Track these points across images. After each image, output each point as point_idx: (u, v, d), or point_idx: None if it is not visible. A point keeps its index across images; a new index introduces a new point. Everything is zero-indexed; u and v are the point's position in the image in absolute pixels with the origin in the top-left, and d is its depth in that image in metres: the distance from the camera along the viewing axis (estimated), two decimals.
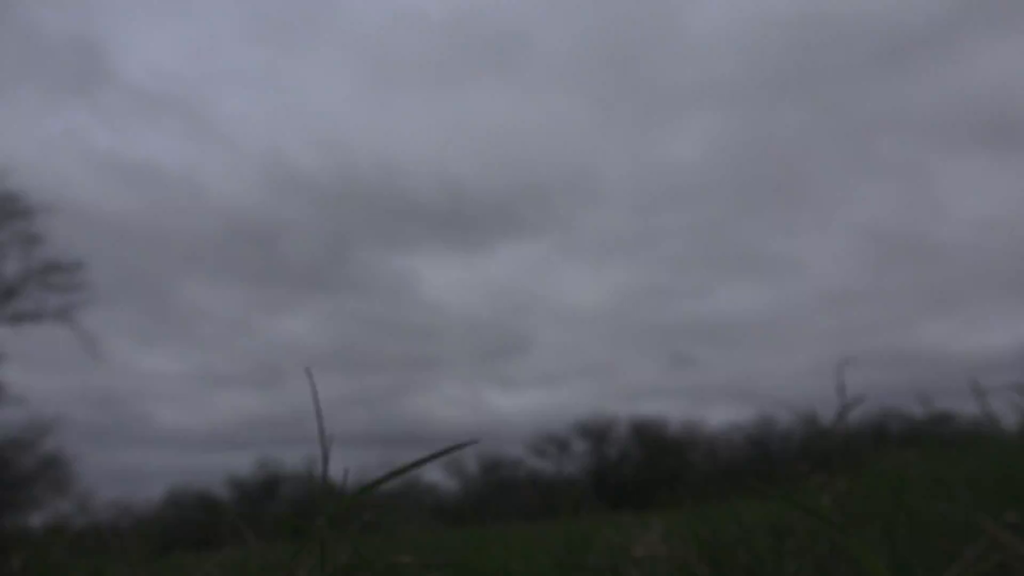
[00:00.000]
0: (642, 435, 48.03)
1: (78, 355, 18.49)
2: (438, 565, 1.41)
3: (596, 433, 47.26)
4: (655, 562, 2.07)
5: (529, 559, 2.66)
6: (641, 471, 45.18)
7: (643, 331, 63.07)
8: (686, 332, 65.34)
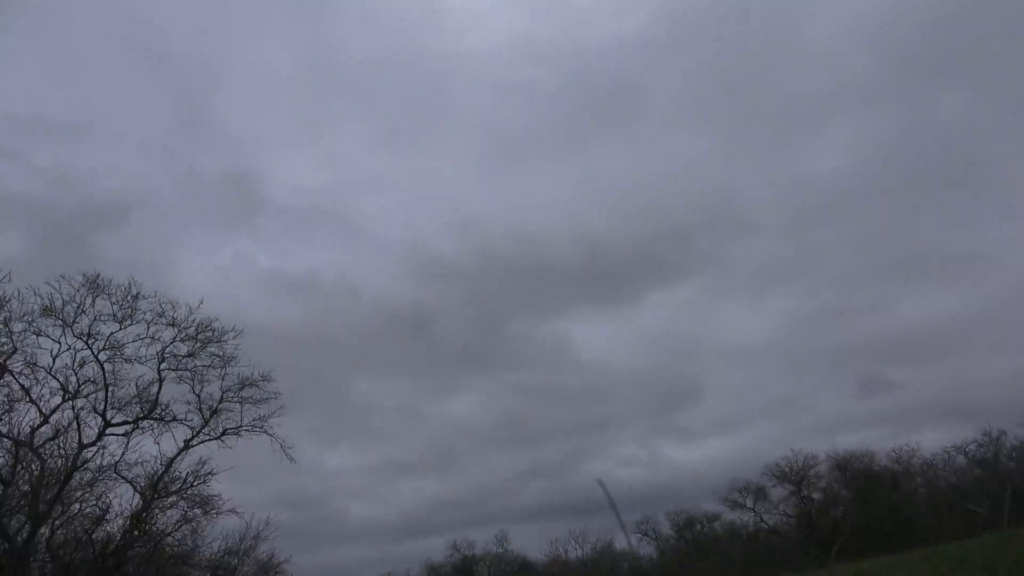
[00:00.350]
0: (847, 471, 44.76)
1: (275, 462, 21.07)
2: None
3: (794, 475, 44.74)
4: None
5: None
6: (853, 511, 41.90)
7: (822, 358, 58.32)
8: (872, 352, 59.16)
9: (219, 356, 20.62)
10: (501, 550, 48.93)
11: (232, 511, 20.72)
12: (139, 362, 19.86)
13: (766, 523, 46.75)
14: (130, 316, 19.50)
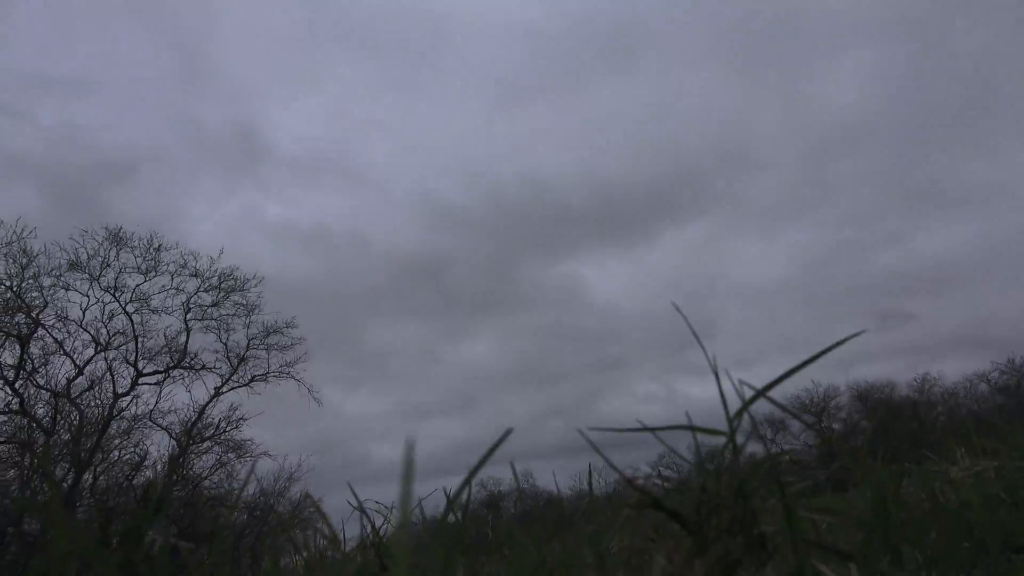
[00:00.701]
0: (867, 402, 44.97)
1: (301, 408, 21.62)
2: None
3: (814, 407, 45.06)
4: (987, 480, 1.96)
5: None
6: (874, 441, 42.31)
7: (841, 293, 58.01)
8: (891, 286, 58.71)
9: (243, 305, 20.90)
10: (527, 486, 50.19)
11: (265, 454, 21.32)
12: (166, 313, 20.20)
13: (787, 454, 47.30)
14: (154, 268, 19.74)
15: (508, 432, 1.00)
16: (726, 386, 0.90)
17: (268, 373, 21.32)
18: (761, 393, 0.85)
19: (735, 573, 0.77)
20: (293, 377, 21.34)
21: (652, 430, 0.93)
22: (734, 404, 0.94)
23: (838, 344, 0.88)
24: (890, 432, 43.10)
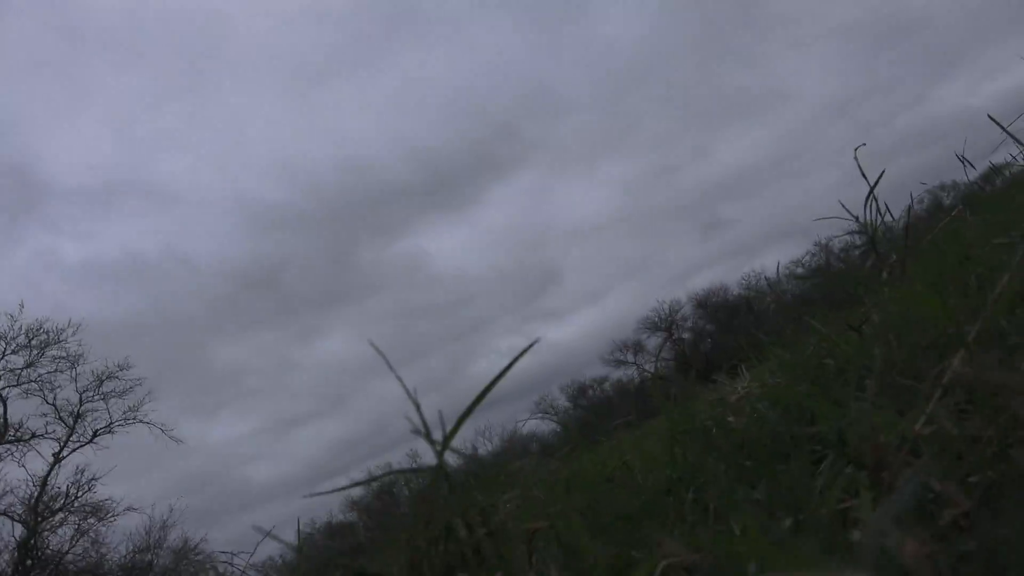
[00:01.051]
0: (707, 307, 48.69)
1: (159, 449, 20.22)
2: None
3: (663, 323, 48.37)
4: (755, 400, 2.06)
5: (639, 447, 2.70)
6: (720, 340, 46.07)
7: (662, 214, 62.37)
8: (705, 198, 63.97)
9: (63, 358, 19.04)
10: (415, 464, 49.78)
11: (130, 509, 19.81)
12: None
13: (648, 371, 50.62)
14: None
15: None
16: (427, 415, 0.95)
17: (112, 424, 19.71)
18: (456, 427, 0.91)
19: None
20: (141, 421, 19.85)
21: (351, 486, 0.98)
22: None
23: (521, 355, 0.96)
24: (730, 330, 47.00)
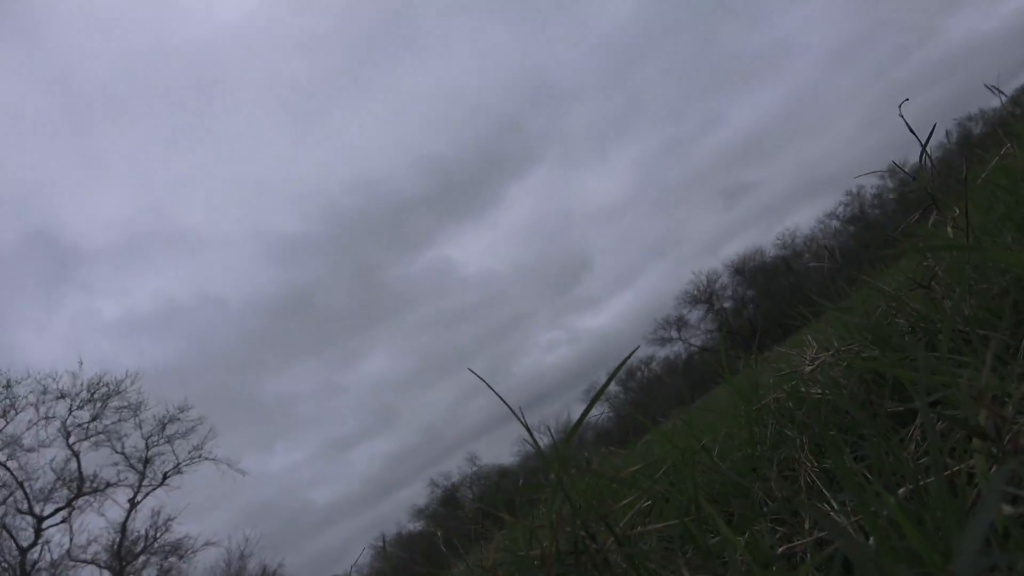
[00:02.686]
0: (745, 272, 48.04)
1: (225, 484, 20.75)
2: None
3: (702, 295, 47.82)
4: (828, 367, 2.00)
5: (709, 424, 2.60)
6: (761, 305, 45.43)
7: (682, 188, 61.63)
8: (722, 165, 63.13)
9: (126, 407, 19.62)
10: (476, 468, 50.64)
11: (208, 544, 20.35)
12: (43, 446, 18.62)
13: (695, 345, 50.10)
14: (12, 406, 18.10)
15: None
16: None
17: (179, 464, 20.25)
18: (570, 436, 0.94)
19: None
20: (207, 458, 20.36)
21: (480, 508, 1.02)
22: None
23: (626, 360, 0.99)
24: (771, 292, 46.27)
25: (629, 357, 0.99)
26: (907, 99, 1.94)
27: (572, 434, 0.99)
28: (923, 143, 1.84)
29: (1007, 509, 0.71)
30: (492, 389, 1.06)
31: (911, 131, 1.90)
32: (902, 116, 1.93)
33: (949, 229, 1.79)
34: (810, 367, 2.54)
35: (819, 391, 2.34)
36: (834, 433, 1.77)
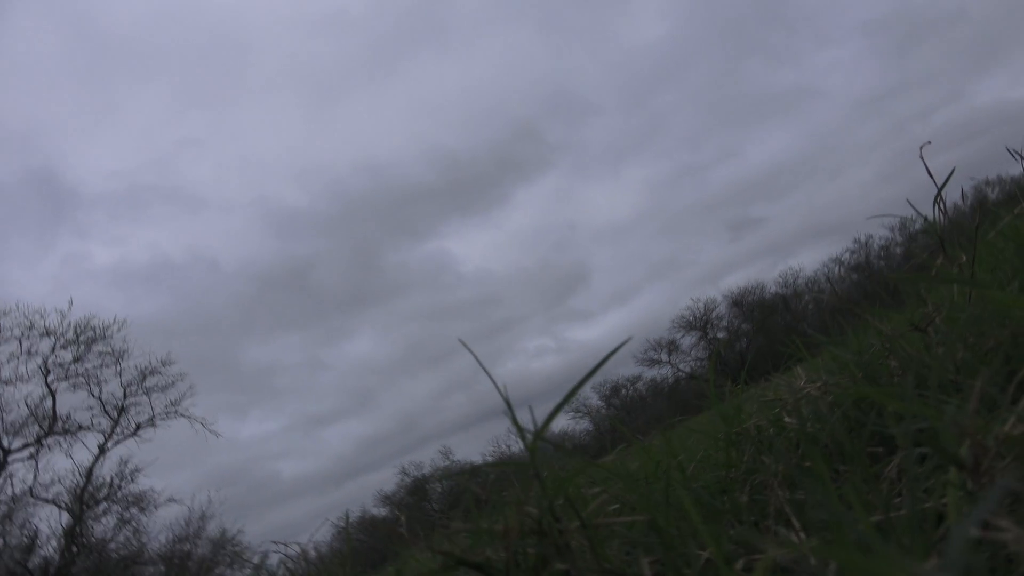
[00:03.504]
0: (743, 306, 48.06)
1: (196, 444, 20.64)
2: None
3: (698, 322, 47.81)
4: (814, 399, 1.97)
5: (688, 444, 2.61)
6: (754, 340, 45.44)
7: (690, 214, 62.01)
8: (733, 198, 63.42)
9: (109, 353, 19.56)
10: (448, 463, 50.58)
11: (171, 500, 20.29)
12: (22, 381, 18.57)
13: (683, 371, 50.12)
14: None
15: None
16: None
17: (154, 417, 20.18)
18: (541, 430, 0.93)
19: None
20: (183, 415, 20.31)
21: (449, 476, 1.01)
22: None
23: (612, 353, 0.98)
24: (766, 328, 46.32)
25: (621, 347, 0.98)
26: (929, 142, 1.92)
27: (551, 418, 0.98)
28: (939, 186, 1.82)
29: (975, 532, 0.70)
30: (479, 361, 1.05)
31: (928, 173, 1.88)
32: (922, 158, 1.91)
33: (956, 270, 1.78)
34: (796, 397, 2.53)
35: (800, 422, 2.33)
36: (809, 464, 1.77)
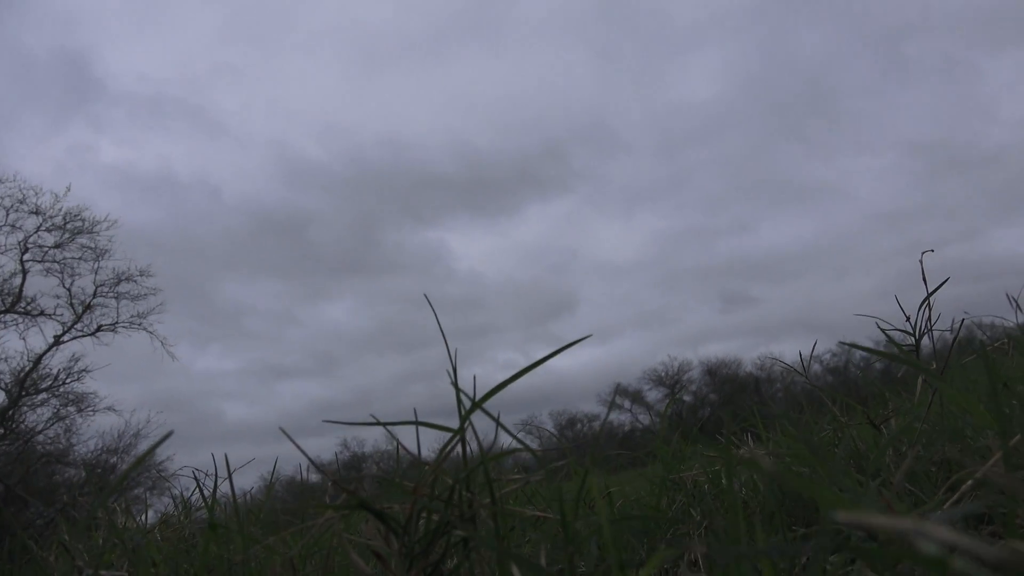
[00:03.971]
0: (716, 376, 48.22)
1: (146, 362, 20.31)
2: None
3: (669, 379, 47.99)
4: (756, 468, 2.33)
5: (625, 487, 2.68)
6: (720, 412, 45.59)
7: (689, 274, 62.43)
8: (734, 270, 63.91)
9: (91, 248, 19.39)
10: (390, 447, 50.37)
11: (110, 409, 20.06)
12: None
13: (641, 422, 50.19)
14: None
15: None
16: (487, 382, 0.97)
17: (117, 323, 19.97)
18: (481, 402, 0.93)
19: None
20: (146, 329, 20.12)
21: (384, 424, 1.00)
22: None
23: (567, 347, 0.98)
24: (732, 404, 46.51)
25: (580, 340, 0.98)
26: (932, 250, 1.94)
27: (494, 392, 0.98)
28: (929, 292, 1.84)
29: None
30: (437, 319, 1.05)
31: (923, 277, 1.90)
32: (921, 263, 1.93)
33: (919, 381, 1.80)
34: (738, 460, 2.54)
35: (737, 483, 2.34)
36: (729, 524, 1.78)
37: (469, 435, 1.00)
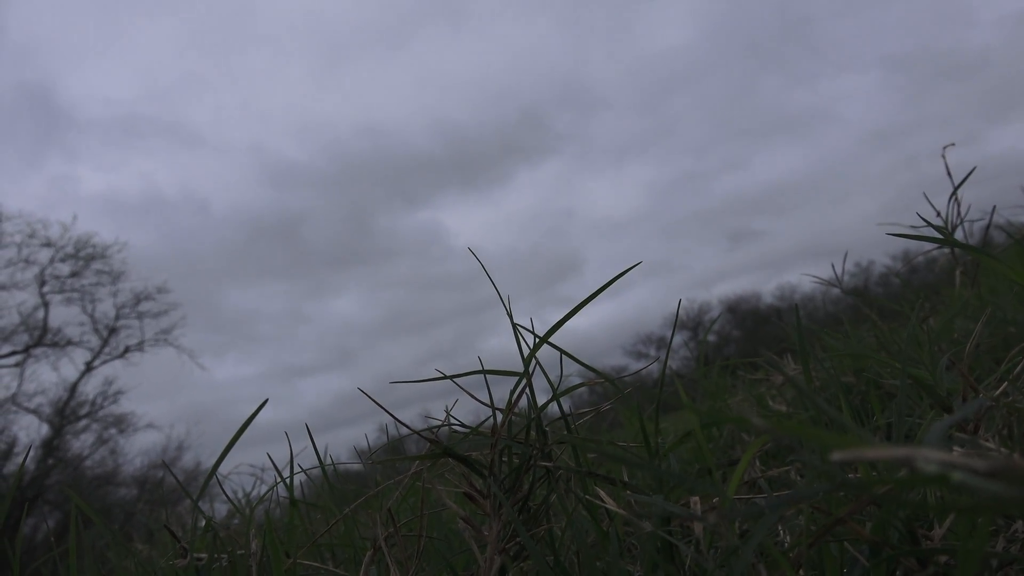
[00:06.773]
0: (737, 312, 48.12)
1: (169, 378, 20.62)
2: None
3: (690, 322, 48.03)
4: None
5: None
6: (743, 347, 45.65)
7: (690, 219, 61.87)
8: (734, 209, 63.22)
9: (107, 272, 19.57)
10: (428, 423, 50.32)
11: (150, 426, 20.44)
12: (17, 288, 18.60)
13: (670, 367, 50.34)
14: None
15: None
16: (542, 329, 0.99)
17: (144, 342, 20.24)
18: (544, 339, 0.96)
19: (531, 513, 0.88)
20: (172, 344, 20.38)
21: (450, 377, 1.02)
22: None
23: (621, 275, 1.00)
24: (756, 338, 46.47)
25: (631, 269, 1.00)
26: (953, 143, 1.93)
27: (557, 328, 1.01)
28: (955, 186, 1.84)
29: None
30: (487, 272, 1.07)
31: (947, 171, 1.89)
32: (943, 156, 1.92)
33: (957, 274, 1.80)
34: (781, 380, 2.56)
35: (782, 404, 2.36)
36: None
37: (536, 377, 1.02)
